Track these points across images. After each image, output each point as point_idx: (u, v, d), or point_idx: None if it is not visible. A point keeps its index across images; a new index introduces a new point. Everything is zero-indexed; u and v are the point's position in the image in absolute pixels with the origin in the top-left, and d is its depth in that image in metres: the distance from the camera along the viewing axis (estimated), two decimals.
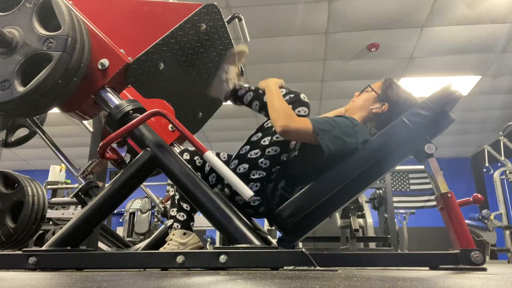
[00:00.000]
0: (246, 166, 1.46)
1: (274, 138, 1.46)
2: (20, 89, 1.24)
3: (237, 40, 1.80)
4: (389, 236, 4.04)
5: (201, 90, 1.87)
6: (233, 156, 1.53)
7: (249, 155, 1.47)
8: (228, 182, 1.31)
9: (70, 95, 1.35)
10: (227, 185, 1.49)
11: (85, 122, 2.47)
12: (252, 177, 1.44)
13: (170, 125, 2.01)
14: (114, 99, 1.40)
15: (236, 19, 1.84)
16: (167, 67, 1.58)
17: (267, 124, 1.51)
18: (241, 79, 1.76)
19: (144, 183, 2.45)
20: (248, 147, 1.49)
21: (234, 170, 1.47)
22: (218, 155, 1.61)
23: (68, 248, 1.24)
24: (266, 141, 1.47)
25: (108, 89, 1.40)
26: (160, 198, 2.91)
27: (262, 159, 1.45)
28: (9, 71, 1.26)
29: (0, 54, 1.28)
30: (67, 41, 1.26)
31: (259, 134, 1.50)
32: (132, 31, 1.52)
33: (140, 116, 1.32)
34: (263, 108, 1.56)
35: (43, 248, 1.24)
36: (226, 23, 1.72)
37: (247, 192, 1.21)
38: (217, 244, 5.18)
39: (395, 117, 1.55)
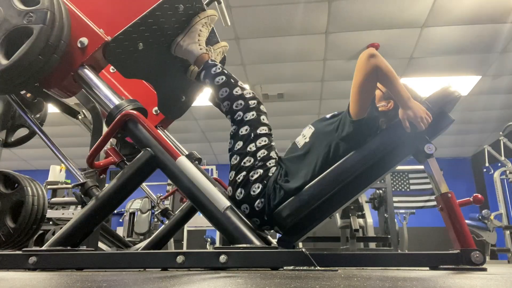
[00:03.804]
0: (244, 173, 1.47)
1: (257, 143, 1.49)
2: (4, 62, 1.27)
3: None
4: (389, 236, 4.05)
5: (181, 72, 1.87)
6: (230, 168, 1.53)
7: (243, 164, 1.48)
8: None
9: (50, 72, 1.37)
10: (232, 197, 1.50)
11: (85, 122, 2.47)
12: (252, 178, 1.45)
13: (154, 109, 2.02)
14: (94, 78, 1.42)
15: (215, 2, 1.84)
16: (147, 47, 1.60)
17: (241, 132, 1.52)
18: (216, 51, 1.75)
19: (144, 183, 2.44)
20: (238, 157, 1.50)
21: (234, 182, 1.48)
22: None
23: (68, 248, 1.24)
24: (252, 147, 1.49)
25: (87, 66, 1.43)
26: (159, 194, 2.89)
27: (256, 162, 1.47)
28: None
29: None
30: (46, 14, 1.29)
31: (240, 143, 1.51)
32: (111, 11, 1.56)
33: (112, 124, 1.33)
34: (234, 103, 1.55)
35: (43, 248, 1.24)
36: (205, 6, 1.73)
37: (223, 202, 1.17)
38: (217, 244, 5.18)
39: None
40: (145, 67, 1.69)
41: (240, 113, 1.54)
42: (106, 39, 1.42)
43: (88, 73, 1.42)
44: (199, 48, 1.66)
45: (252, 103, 1.55)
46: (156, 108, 2.02)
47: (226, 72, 1.61)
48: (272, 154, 1.50)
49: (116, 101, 1.39)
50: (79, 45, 1.41)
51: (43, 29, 1.27)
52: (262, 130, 1.52)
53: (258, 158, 1.47)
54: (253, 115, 1.53)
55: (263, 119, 1.55)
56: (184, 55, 1.72)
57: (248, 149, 1.49)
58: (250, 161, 1.48)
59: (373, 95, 1.46)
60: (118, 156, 1.38)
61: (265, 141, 1.51)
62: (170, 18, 1.61)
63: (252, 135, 1.50)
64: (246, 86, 1.59)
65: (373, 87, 1.43)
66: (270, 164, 1.48)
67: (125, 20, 1.49)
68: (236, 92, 1.56)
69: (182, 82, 1.91)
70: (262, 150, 1.49)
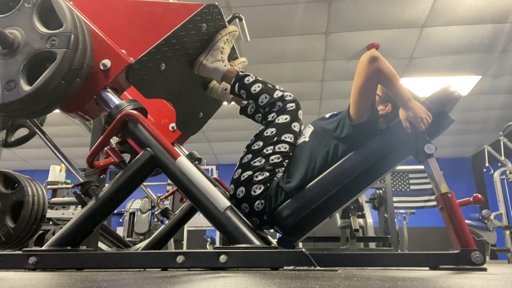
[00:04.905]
0: (250, 172, 1.47)
1: (276, 148, 1.48)
2: (27, 88, 1.23)
3: (238, 41, 1.80)
4: (389, 236, 4.05)
5: (202, 90, 1.87)
6: (237, 166, 1.53)
7: (252, 163, 1.48)
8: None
9: (73, 96, 1.35)
10: (233, 195, 1.50)
11: (85, 122, 2.47)
12: (256, 179, 1.45)
13: (171, 125, 2.02)
14: (114, 99, 1.39)
15: (237, 19, 1.84)
16: (169, 68, 1.58)
17: (266, 133, 1.51)
18: (240, 63, 1.74)
19: (144, 183, 2.44)
20: (250, 155, 1.50)
21: (238, 179, 1.48)
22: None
23: (68, 248, 1.24)
24: (269, 150, 1.48)
25: (109, 89, 1.40)
26: (159, 194, 2.89)
27: (266, 165, 1.46)
28: (13, 72, 1.25)
29: (3, 55, 1.27)
30: (70, 37, 1.25)
31: (260, 143, 1.50)
32: (133, 31, 1.51)
33: (112, 124, 1.31)
34: (274, 106, 1.54)
35: (43, 248, 1.24)
36: (227, 23, 1.72)
37: (223, 202, 1.17)
38: (217, 244, 5.18)
39: None
40: (165, 86, 1.68)
41: (274, 114, 1.53)
42: (129, 61, 1.39)
43: (111, 96, 1.38)
44: (223, 65, 1.64)
45: (290, 106, 1.54)
46: (173, 124, 2.02)
47: (260, 79, 1.60)
48: (285, 162, 1.48)
49: (116, 101, 1.39)
50: (101, 67, 1.37)
51: (67, 53, 1.23)
52: (287, 137, 1.50)
53: (270, 162, 1.46)
54: (285, 119, 1.51)
55: (293, 126, 1.52)
56: (208, 74, 1.69)
57: (264, 150, 1.48)
58: (260, 162, 1.47)
59: (374, 98, 1.46)
60: (118, 156, 1.37)
61: (285, 148, 1.48)
62: (193, 38, 1.59)
63: (275, 139, 1.48)
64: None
65: (374, 90, 1.43)
66: (278, 170, 1.47)
67: (146, 40, 1.45)
68: (277, 95, 1.55)
69: (201, 99, 1.91)
70: (277, 156, 1.47)
